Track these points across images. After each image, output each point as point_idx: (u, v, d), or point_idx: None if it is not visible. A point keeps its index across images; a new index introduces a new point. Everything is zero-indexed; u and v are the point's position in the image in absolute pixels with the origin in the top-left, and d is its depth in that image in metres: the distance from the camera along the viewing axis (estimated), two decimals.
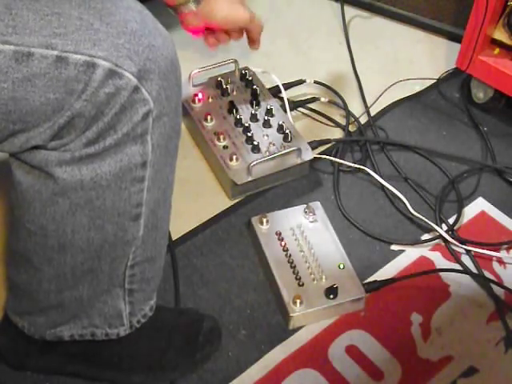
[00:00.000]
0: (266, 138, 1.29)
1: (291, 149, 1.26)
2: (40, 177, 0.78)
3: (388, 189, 1.29)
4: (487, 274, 1.17)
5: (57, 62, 0.69)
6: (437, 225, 1.23)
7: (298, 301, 1.08)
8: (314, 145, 1.34)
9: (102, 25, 0.70)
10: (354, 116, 1.43)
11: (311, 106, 1.45)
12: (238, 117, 1.31)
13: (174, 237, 1.20)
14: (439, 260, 1.20)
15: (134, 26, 0.72)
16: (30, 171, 0.78)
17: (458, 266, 1.19)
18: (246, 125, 1.30)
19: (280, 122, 1.30)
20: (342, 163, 1.33)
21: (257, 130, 1.31)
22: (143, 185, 0.81)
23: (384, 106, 1.47)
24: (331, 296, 1.09)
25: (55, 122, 0.72)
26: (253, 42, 1.13)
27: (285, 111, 1.36)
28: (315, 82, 1.47)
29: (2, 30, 0.67)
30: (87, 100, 0.71)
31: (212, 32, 1.09)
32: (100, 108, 0.72)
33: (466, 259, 1.19)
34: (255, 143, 1.27)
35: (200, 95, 1.36)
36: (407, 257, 1.20)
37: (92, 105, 0.72)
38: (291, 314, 1.08)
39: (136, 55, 0.72)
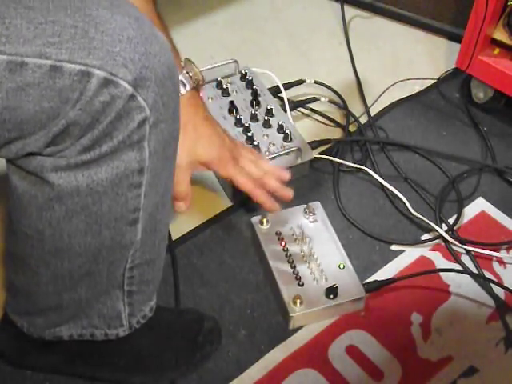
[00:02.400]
0: (266, 138, 1.29)
1: (291, 149, 1.26)
2: (36, 182, 0.77)
3: (388, 189, 1.29)
4: (487, 274, 1.17)
5: (51, 72, 0.68)
6: (437, 225, 1.23)
7: (298, 301, 1.08)
8: (314, 145, 1.34)
9: (97, 33, 0.69)
10: (354, 116, 1.43)
11: (311, 105, 1.45)
12: (238, 117, 1.31)
13: (174, 237, 1.20)
14: (439, 260, 1.20)
15: (130, 34, 0.71)
16: (25, 176, 0.78)
17: (458, 266, 1.19)
18: (246, 125, 1.30)
19: (280, 122, 1.30)
20: (341, 163, 1.33)
21: (257, 129, 1.31)
22: (140, 190, 0.80)
23: (384, 106, 1.47)
24: (331, 296, 1.09)
25: (50, 130, 0.72)
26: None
27: (285, 111, 1.36)
28: (315, 82, 1.47)
29: None
30: (82, 109, 0.70)
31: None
32: (95, 116, 0.71)
33: (466, 259, 1.19)
34: (255, 143, 1.27)
35: (200, 95, 1.36)
36: (407, 257, 1.20)
37: (87, 113, 0.71)
38: (291, 314, 1.08)
39: (132, 63, 0.71)
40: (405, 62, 1.58)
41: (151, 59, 0.72)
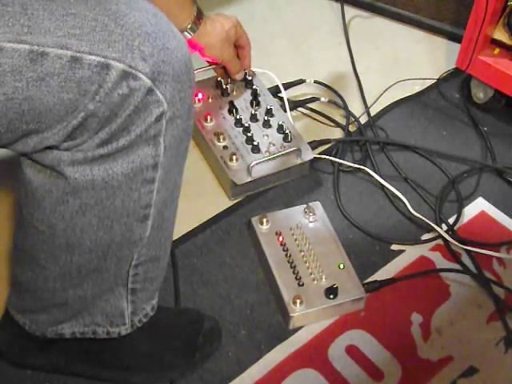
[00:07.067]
0: (266, 138, 1.29)
1: (291, 149, 1.26)
2: (51, 176, 0.78)
3: (388, 189, 1.29)
4: (487, 274, 1.17)
5: (71, 63, 0.69)
6: (437, 225, 1.23)
7: (298, 301, 1.08)
8: (314, 145, 1.34)
9: (116, 26, 0.71)
10: (354, 116, 1.43)
11: (311, 105, 1.45)
12: (238, 117, 1.31)
13: (174, 237, 1.20)
14: (439, 260, 1.20)
15: (148, 28, 0.72)
16: (41, 170, 0.78)
17: (457, 266, 1.19)
18: (246, 125, 1.30)
19: (280, 122, 1.30)
20: (342, 163, 1.33)
21: (257, 129, 1.30)
22: (153, 186, 0.81)
23: (384, 105, 1.47)
24: (331, 296, 1.09)
25: (69, 123, 0.72)
26: (231, 74, 1.34)
27: (285, 111, 1.36)
28: (315, 82, 1.47)
29: (18, 30, 0.68)
30: (101, 101, 0.71)
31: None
32: (113, 109, 0.72)
33: (465, 259, 1.19)
34: (255, 143, 1.27)
35: (200, 95, 1.36)
36: (407, 257, 1.20)
37: (105, 106, 0.72)
38: (291, 314, 1.08)
39: (150, 57, 0.72)
40: (405, 62, 1.58)
41: (169, 54, 0.74)
